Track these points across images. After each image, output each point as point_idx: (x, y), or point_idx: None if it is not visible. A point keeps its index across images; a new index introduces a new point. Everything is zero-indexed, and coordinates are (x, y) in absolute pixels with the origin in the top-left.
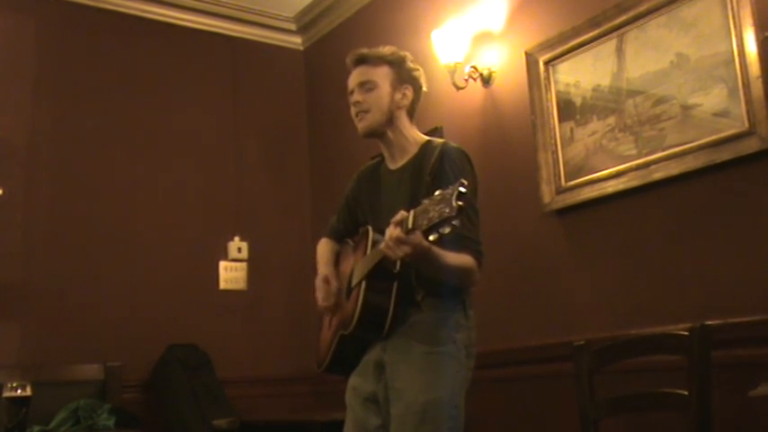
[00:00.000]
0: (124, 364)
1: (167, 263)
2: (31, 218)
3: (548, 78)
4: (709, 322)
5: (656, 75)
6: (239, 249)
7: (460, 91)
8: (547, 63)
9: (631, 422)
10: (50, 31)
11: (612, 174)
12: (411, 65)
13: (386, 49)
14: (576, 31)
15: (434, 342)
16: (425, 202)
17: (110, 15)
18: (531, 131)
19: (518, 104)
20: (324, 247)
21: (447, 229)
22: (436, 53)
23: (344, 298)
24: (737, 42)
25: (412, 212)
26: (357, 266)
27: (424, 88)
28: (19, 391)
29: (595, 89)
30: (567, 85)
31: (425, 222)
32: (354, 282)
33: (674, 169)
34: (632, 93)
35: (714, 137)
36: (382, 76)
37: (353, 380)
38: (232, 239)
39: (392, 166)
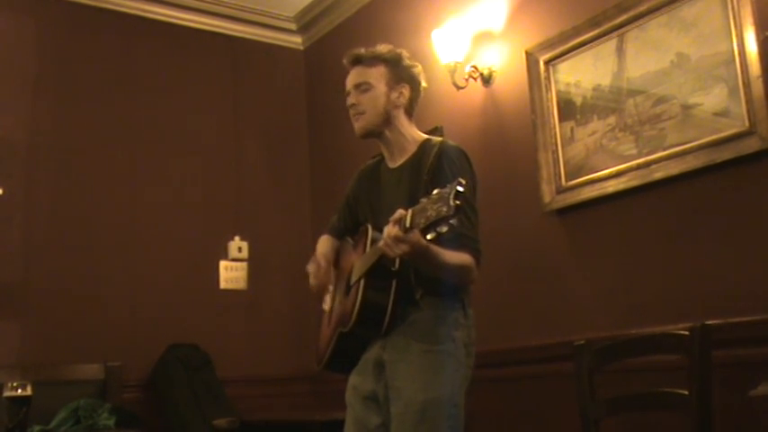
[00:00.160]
0: (124, 364)
1: (168, 262)
2: (31, 217)
3: (548, 78)
4: (710, 322)
5: (657, 74)
6: (240, 249)
7: (461, 90)
8: (547, 63)
9: (632, 422)
10: (51, 31)
11: (613, 173)
12: (408, 62)
13: (382, 48)
14: (577, 31)
15: (433, 340)
16: (424, 200)
17: (110, 15)
18: (531, 131)
19: (518, 104)
20: (323, 243)
21: (444, 228)
22: (436, 53)
23: (343, 295)
24: (738, 42)
25: (410, 211)
26: (356, 264)
27: (424, 85)
28: (19, 390)
29: (596, 89)
30: (568, 84)
31: (423, 221)
32: (353, 279)
33: (674, 169)
34: (633, 92)
35: (714, 136)
36: (378, 76)
37: (353, 379)
38: (232, 239)
39: (391, 164)
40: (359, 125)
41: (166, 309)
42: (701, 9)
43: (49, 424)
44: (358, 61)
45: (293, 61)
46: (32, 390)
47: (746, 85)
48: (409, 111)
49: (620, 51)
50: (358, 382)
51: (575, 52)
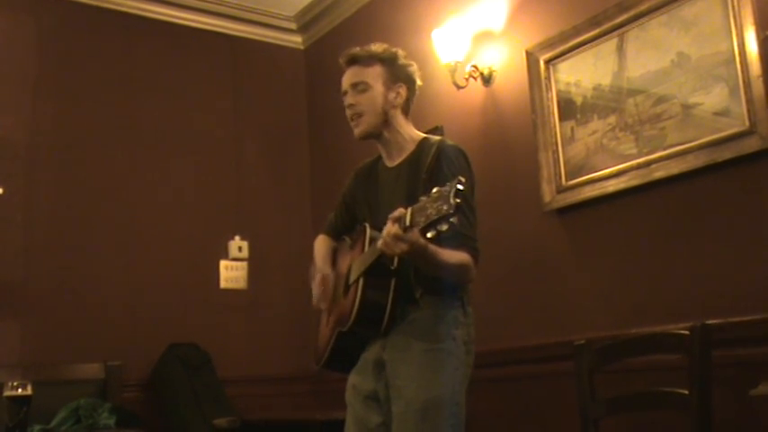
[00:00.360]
0: (125, 364)
1: (168, 262)
2: (31, 217)
3: (548, 77)
4: (710, 321)
5: (657, 74)
6: (240, 248)
7: (461, 90)
8: (547, 62)
9: (632, 421)
10: (51, 31)
11: (613, 173)
12: (404, 61)
13: (377, 47)
14: (577, 31)
15: (434, 339)
16: (423, 199)
17: (110, 14)
18: (531, 131)
19: (519, 104)
20: (321, 245)
21: (445, 227)
22: (437, 52)
23: (342, 295)
24: (738, 41)
25: (409, 210)
26: (354, 263)
27: (419, 83)
28: (19, 390)
29: (596, 88)
30: (568, 84)
31: (423, 219)
32: (352, 279)
33: (674, 168)
34: (633, 92)
35: (715, 136)
36: (375, 75)
37: (353, 378)
38: (232, 239)
39: (389, 163)
40: (359, 129)
41: (167, 308)
42: (702, 8)
43: (50, 423)
44: (354, 61)
45: (293, 61)
46: (33, 389)
47: (747, 84)
48: (406, 110)
49: (620, 51)
50: (358, 381)
51: (575, 52)
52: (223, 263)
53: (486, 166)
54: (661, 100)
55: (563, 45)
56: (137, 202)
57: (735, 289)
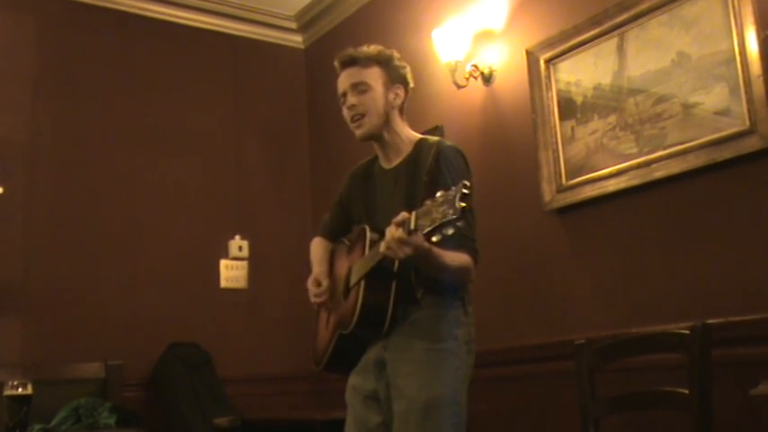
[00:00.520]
0: (125, 363)
1: (168, 261)
2: (31, 216)
3: (548, 77)
4: (710, 321)
5: (657, 73)
6: (240, 248)
7: (461, 89)
8: (548, 61)
9: (632, 421)
10: (51, 30)
11: (613, 172)
12: (398, 63)
13: (373, 49)
14: (577, 30)
15: (435, 339)
16: (428, 203)
17: (110, 14)
18: (531, 130)
19: (519, 103)
20: (317, 247)
21: (450, 231)
22: (437, 52)
23: (342, 297)
24: (738, 41)
25: (414, 213)
26: (355, 266)
27: (412, 85)
28: (20, 389)
29: (596, 88)
30: (568, 83)
31: (428, 223)
32: (353, 281)
33: (674, 168)
34: (633, 91)
35: (715, 135)
36: (374, 77)
37: (353, 379)
38: (233, 238)
39: (386, 165)
40: (362, 130)
41: (167, 308)
42: (702, 8)
43: (50, 423)
44: (353, 62)
45: (294, 60)
46: (33, 389)
47: (747, 84)
48: (402, 111)
49: (620, 50)
50: (358, 381)
51: (575, 51)
52: (223, 262)
53: (486, 165)
54: (661, 99)
55: (563, 44)
56: (137, 202)
57: (735, 288)
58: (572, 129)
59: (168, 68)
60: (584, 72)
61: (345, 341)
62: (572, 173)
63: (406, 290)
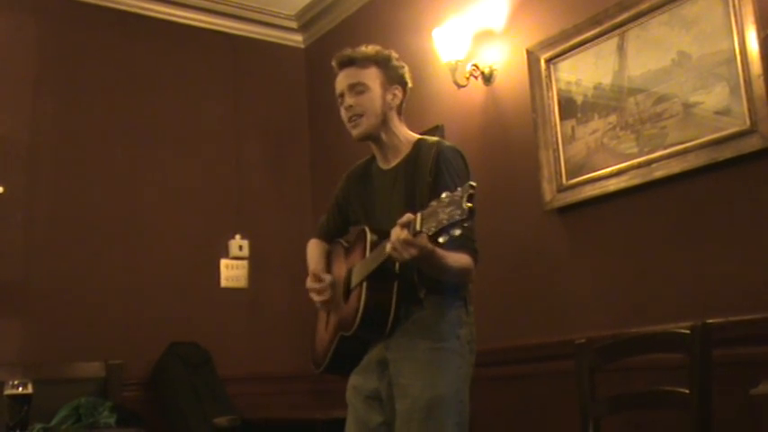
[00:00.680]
0: (125, 362)
1: (168, 261)
2: (32, 216)
3: (549, 76)
4: (711, 320)
5: (658, 73)
6: (240, 247)
7: (462, 89)
8: (548, 61)
9: (632, 420)
10: (51, 29)
11: (614, 172)
12: (397, 63)
13: (370, 49)
14: (578, 30)
15: (438, 338)
16: (433, 204)
17: (111, 13)
18: (532, 129)
19: (519, 102)
20: (314, 248)
21: (457, 231)
22: (437, 51)
23: (342, 299)
24: (739, 40)
25: (419, 215)
26: (356, 268)
27: (410, 85)
28: (20, 388)
29: (597, 87)
30: (569, 83)
31: (434, 225)
32: (354, 283)
33: (675, 167)
34: (633, 91)
35: (715, 135)
36: (372, 77)
37: (354, 379)
38: (233, 237)
39: (384, 166)
40: (359, 131)
41: (167, 307)
42: (703, 7)
43: (50, 422)
44: (350, 62)
45: (294, 59)
46: (33, 388)
47: (747, 83)
48: (400, 112)
49: (621, 50)
50: (359, 381)
51: (576, 51)
52: (224, 261)
53: (486, 165)
54: (662, 99)
55: (564, 44)
56: (137, 201)
57: (735, 288)
58: (572, 128)
59: (168, 68)
60: (584, 71)
61: (347, 343)
62: (572, 172)
63: (407, 290)
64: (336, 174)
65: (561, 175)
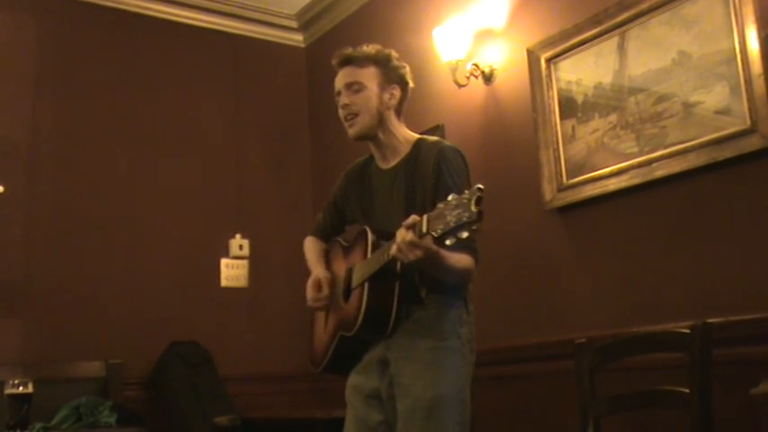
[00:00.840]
0: (126, 362)
1: (169, 260)
2: (32, 215)
3: (549, 76)
4: (711, 320)
5: (658, 72)
6: (241, 247)
7: (462, 88)
8: (548, 61)
9: (632, 420)
10: (52, 29)
11: (614, 171)
12: (397, 63)
13: (371, 49)
14: (578, 29)
15: (439, 337)
16: (440, 206)
17: (111, 13)
18: (532, 129)
19: (520, 102)
20: (312, 246)
21: (465, 234)
22: (438, 51)
23: (341, 299)
24: (739, 40)
25: (425, 216)
26: (356, 267)
27: (411, 85)
28: (20, 388)
29: (597, 87)
30: (569, 82)
31: (442, 227)
32: (355, 283)
33: (675, 167)
34: (634, 90)
35: (716, 135)
36: (369, 76)
37: (354, 378)
38: (233, 237)
39: (383, 165)
40: (354, 130)
41: (167, 306)
42: (703, 7)
43: (51, 421)
44: (348, 61)
45: (294, 59)
46: (34, 387)
47: (748, 83)
48: (399, 111)
49: (621, 49)
50: (359, 381)
51: (576, 50)
52: (224, 261)
53: (486, 164)
54: (662, 98)
55: (564, 43)
56: (137, 200)
57: (736, 288)
58: (573, 128)
59: (169, 67)
60: (584, 71)
61: (348, 343)
62: (573, 172)
63: (409, 290)
64: (337, 173)
65: (561, 175)
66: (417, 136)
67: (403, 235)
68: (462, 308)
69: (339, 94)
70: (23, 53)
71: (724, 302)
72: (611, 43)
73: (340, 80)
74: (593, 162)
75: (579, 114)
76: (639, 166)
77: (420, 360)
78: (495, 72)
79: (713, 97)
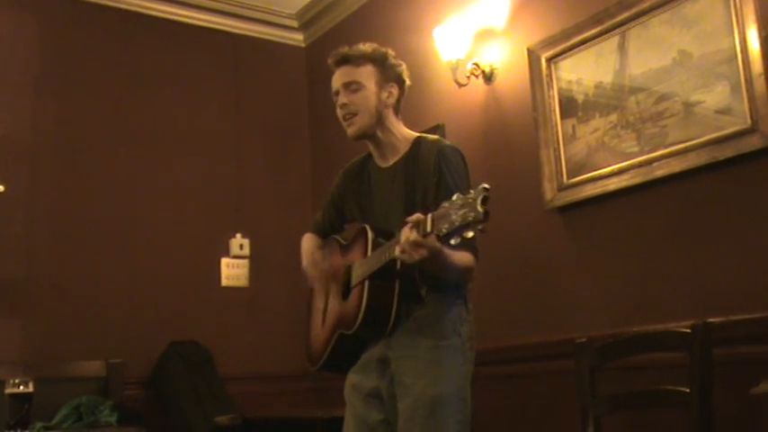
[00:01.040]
0: (126, 361)
1: (169, 259)
2: (33, 215)
3: (550, 75)
4: (711, 320)
5: (659, 72)
6: (241, 246)
7: (462, 88)
8: (549, 60)
9: (633, 419)
10: (52, 28)
11: (614, 171)
12: (394, 61)
13: (367, 47)
14: (579, 28)
15: (440, 336)
16: (445, 205)
17: (112, 12)
18: (533, 128)
19: (520, 101)
20: (309, 242)
21: (470, 234)
22: (438, 50)
23: (340, 297)
24: (740, 39)
25: (429, 215)
26: (357, 266)
27: (408, 83)
28: (21, 387)
29: (597, 86)
30: (570, 82)
31: (446, 226)
32: (354, 281)
33: (676, 167)
34: (634, 90)
35: (716, 134)
36: (367, 75)
37: (353, 377)
38: (234, 236)
39: (382, 164)
40: (353, 129)
41: (168, 306)
42: (704, 6)
43: (51, 421)
44: (345, 61)
45: (295, 58)
46: (34, 387)
47: (749, 82)
48: (397, 110)
49: (621, 49)
50: (359, 380)
51: (576, 50)
52: (224, 260)
53: (487, 163)
54: (663, 98)
55: (564, 43)
56: (138, 200)
57: (736, 287)
58: (573, 127)
59: (169, 66)
60: (585, 70)
61: (347, 341)
62: (573, 171)
63: (408, 288)
64: (337, 172)
65: (562, 174)
66: (416, 134)
67: (407, 234)
68: (462, 306)
69: (337, 93)
70: (24, 53)
71: (724, 302)
72: (611, 43)
73: (337, 80)
74: (594, 161)
75: (580, 114)
76: (640, 165)
77: (421, 359)
78: (496, 71)
79: (714, 97)
